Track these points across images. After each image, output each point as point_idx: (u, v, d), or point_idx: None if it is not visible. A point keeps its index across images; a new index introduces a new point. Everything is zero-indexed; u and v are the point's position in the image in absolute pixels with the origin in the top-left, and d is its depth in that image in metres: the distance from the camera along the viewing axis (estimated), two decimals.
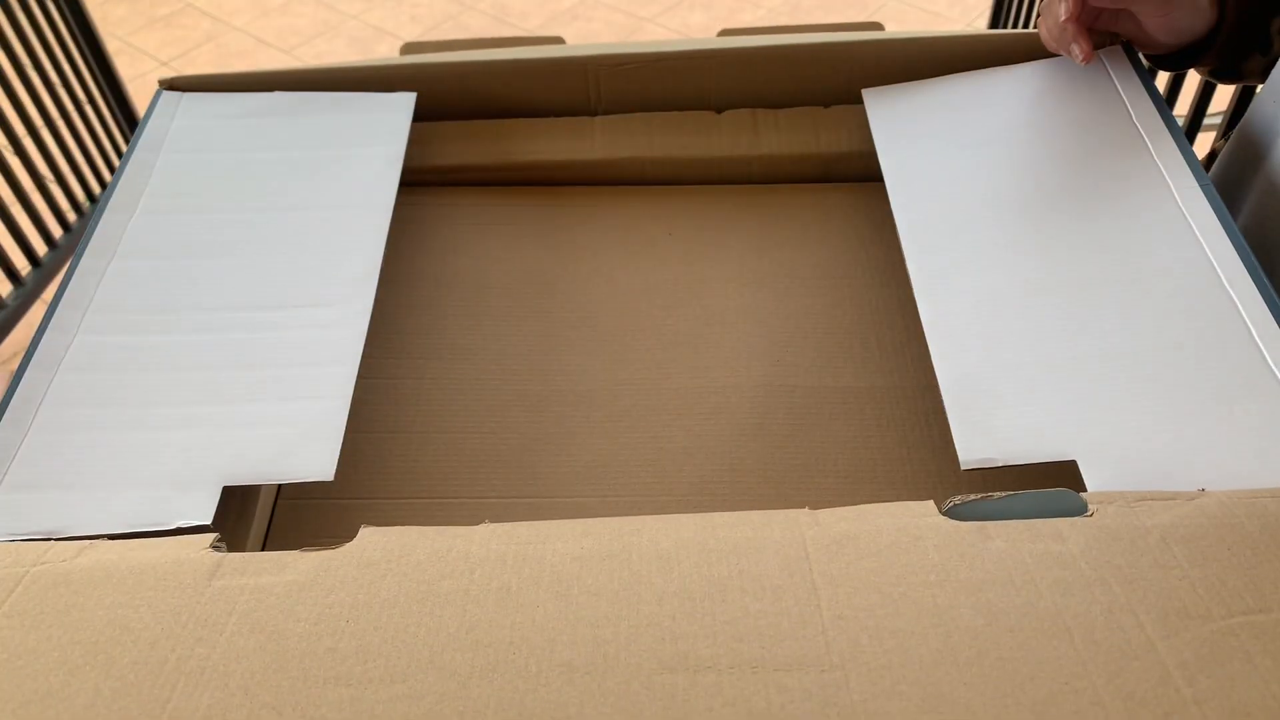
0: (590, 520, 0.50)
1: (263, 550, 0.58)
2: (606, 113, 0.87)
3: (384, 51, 2.31)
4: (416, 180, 0.85)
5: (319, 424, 0.59)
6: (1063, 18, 0.73)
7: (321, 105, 0.82)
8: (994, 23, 1.79)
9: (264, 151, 0.78)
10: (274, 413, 0.59)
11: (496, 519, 0.55)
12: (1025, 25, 1.49)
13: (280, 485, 0.63)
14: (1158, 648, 0.43)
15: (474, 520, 0.51)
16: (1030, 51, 0.84)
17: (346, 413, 0.59)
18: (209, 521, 0.53)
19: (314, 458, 0.57)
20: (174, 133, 0.79)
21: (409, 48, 1.08)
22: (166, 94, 0.83)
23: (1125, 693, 0.41)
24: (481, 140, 0.85)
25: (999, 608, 0.45)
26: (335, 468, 0.56)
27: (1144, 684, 0.42)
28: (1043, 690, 0.42)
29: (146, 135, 0.79)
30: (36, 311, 1.54)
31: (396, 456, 0.65)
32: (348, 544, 0.49)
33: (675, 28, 2.31)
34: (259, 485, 0.61)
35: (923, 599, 0.45)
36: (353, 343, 0.63)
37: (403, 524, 0.51)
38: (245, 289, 0.67)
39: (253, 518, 0.60)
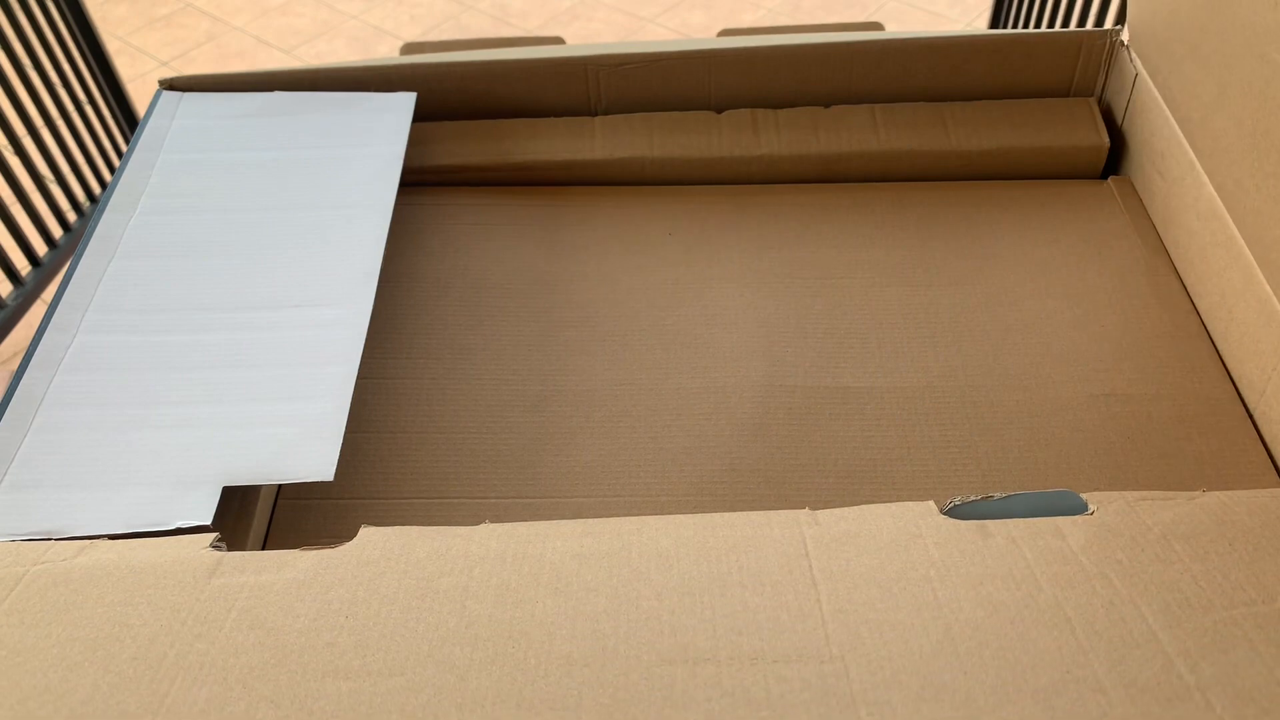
0: (589, 520, 0.50)
1: (263, 550, 0.58)
2: (607, 113, 0.87)
3: (384, 52, 2.31)
4: (416, 180, 0.84)
5: (319, 424, 0.59)
6: None
7: (321, 105, 0.82)
8: (994, 24, 1.79)
9: (264, 151, 0.78)
10: (274, 413, 0.59)
11: (496, 519, 0.55)
12: (1025, 25, 1.49)
13: (280, 485, 0.63)
14: (1159, 637, 0.43)
15: (474, 520, 0.51)
16: (1030, 52, 0.84)
17: (346, 413, 0.59)
18: (209, 521, 0.53)
19: (314, 458, 0.57)
20: (174, 133, 0.79)
21: (409, 48, 1.08)
22: (166, 94, 0.83)
23: (1127, 680, 0.41)
24: (481, 140, 0.85)
25: (999, 600, 0.45)
26: (335, 468, 0.56)
27: (1146, 671, 0.42)
28: (1044, 678, 0.42)
29: (146, 135, 0.79)
30: (36, 311, 1.53)
31: (396, 456, 0.65)
32: (347, 543, 0.49)
33: (675, 27, 2.31)
34: (259, 485, 0.61)
35: (922, 593, 0.46)
36: (353, 342, 0.63)
37: (403, 524, 0.51)
38: (245, 289, 0.67)
39: (252, 518, 0.60)
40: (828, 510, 0.50)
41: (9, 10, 1.45)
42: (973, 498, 0.50)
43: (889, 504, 0.50)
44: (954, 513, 0.49)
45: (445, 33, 2.35)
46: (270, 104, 0.82)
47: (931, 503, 0.50)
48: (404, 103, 0.82)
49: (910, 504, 0.50)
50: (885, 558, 0.47)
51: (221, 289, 0.67)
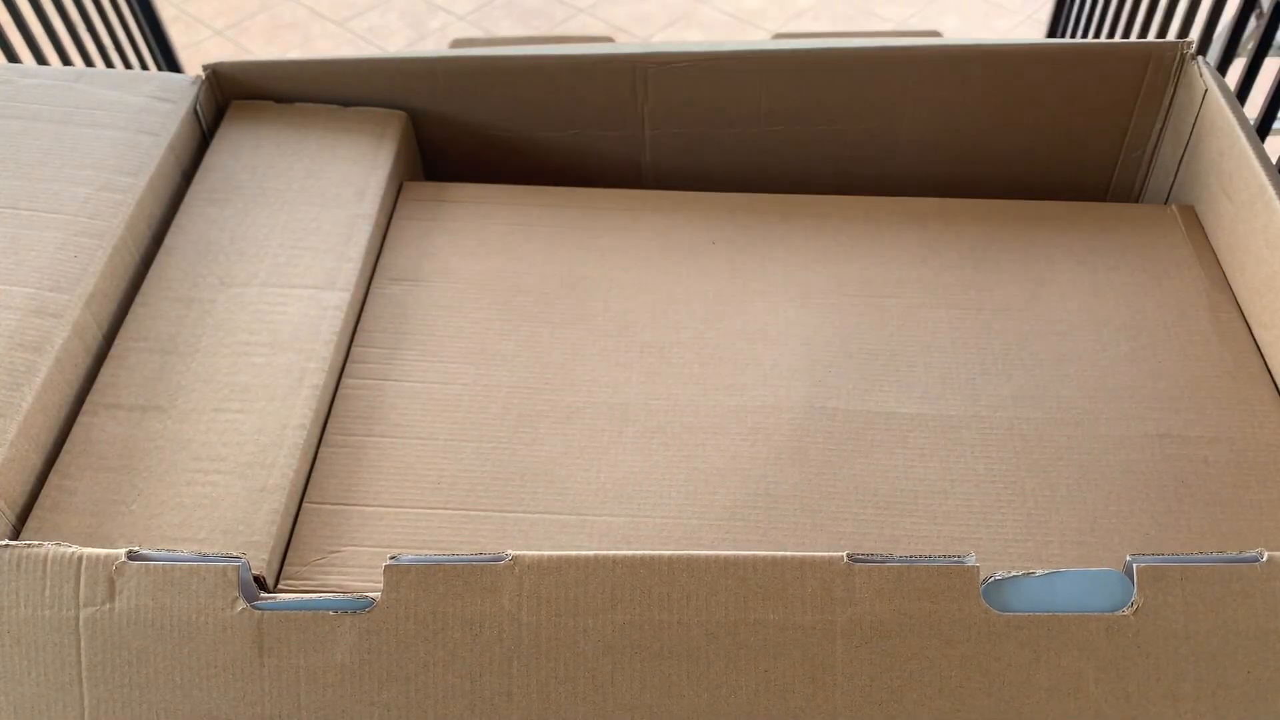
0: (619, 576, 0.48)
1: (284, 557, 0.57)
2: (653, 113, 0.84)
3: (435, 26, 2.29)
4: (455, 176, 0.83)
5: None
6: None
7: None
8: (1056, 16, 1.74)
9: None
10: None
11: (523, 534, 0.55)
12: (1090, 19, 1.44)
13: (303, 489, 0.62)
14: None
15: (500, 535, 0.50)
16: (1096, 63, 0.81)
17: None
18: None
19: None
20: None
21: (457, 43, 1.06)
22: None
23: None
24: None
25: None
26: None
27: None
28: None
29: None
30: None
31: (423, 464, 0.64)
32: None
33: (730, 10, 2.28)
34: (273, 489, 0.60)
35: None
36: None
37: (427, 534, 0.52)
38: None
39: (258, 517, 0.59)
40: (864, 570, 0.48)
41: None
42: (1014, 573, 0.48)
43: (932, 568, 0.48)
44: (993, 593, 0.47)
45: (497, 8, 2.33)
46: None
47: (977, 568, 0.48)
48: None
49: (953, 572, 0.47)
50: (906, 676, 0.47)
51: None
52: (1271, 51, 1.25)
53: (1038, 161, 0.87)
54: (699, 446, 0.65)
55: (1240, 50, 1.29)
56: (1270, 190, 0.68)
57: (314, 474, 0.62)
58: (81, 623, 0.48)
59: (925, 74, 0.81)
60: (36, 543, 0.48)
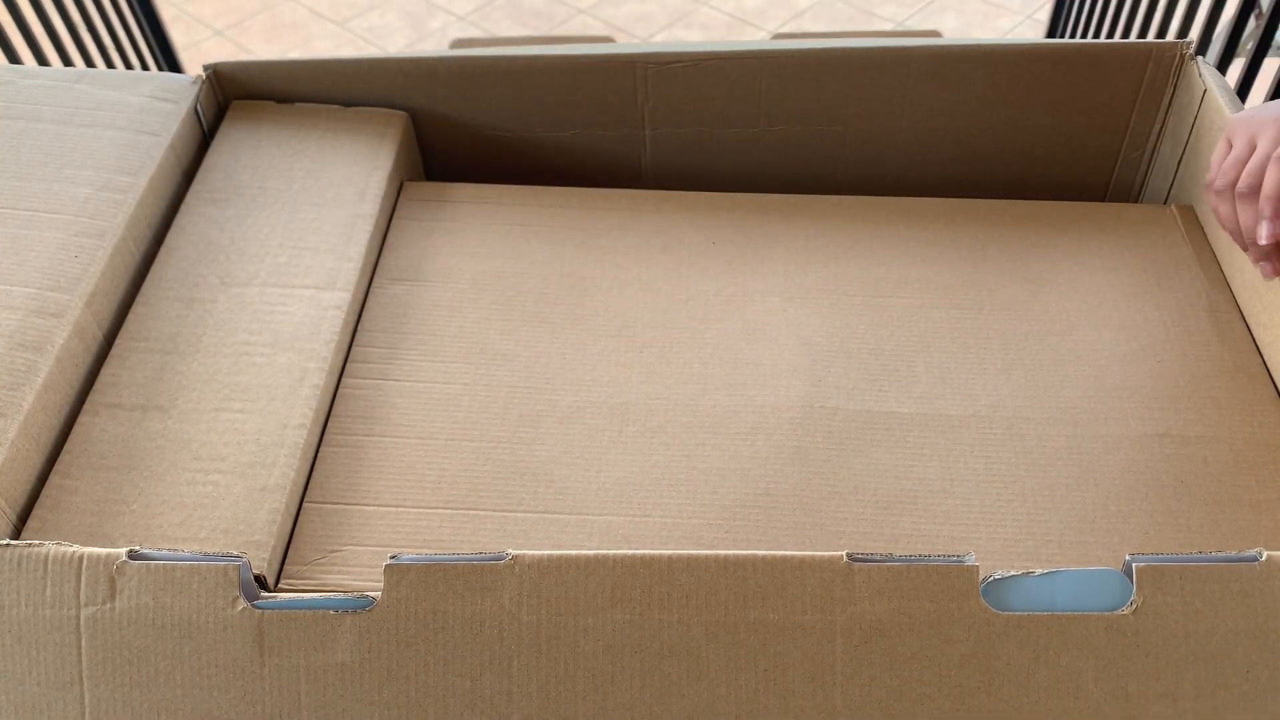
0: (619, 575, 0.48)
1: (285, 556, 0.57)
2: (653, 113, 0.85)
3: (435, 26, 2.29)
4: (455, 176, 0.83)
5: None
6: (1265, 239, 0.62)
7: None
8: (1055, 15, 1.74)
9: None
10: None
11: (524, 534, 0.55)
12: (1089, 19, 1.44)
13: (304, 488, 0.62)
14: None
15: (500, 535, 0.51)
16: (1095, 62, 0.81)
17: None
18: None
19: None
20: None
21: (458, 43, 1.06)
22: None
23: None
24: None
25: None
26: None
27: None
28: None
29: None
30: None
31: (424, 463, 0.64)
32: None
33: (730, 10, 2.28)
34: (274, 488, 0.60)
35: None
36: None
37: (427, 534, 0.52)
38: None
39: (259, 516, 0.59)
40: (865, 570, 0.48)
41: None
42: (1014, 573, 0.48)
43: (932, 567, 0.48)
44: (992, 592, 0.47)
45: (497, 8, 2.33)
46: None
47: (977, 567, 0.47)
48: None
49: (952, 572, 0.47)
50: (907, 676, 0.47)
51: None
52: (1271, 51, 1.25)
53: (1037, 161, 0.87)
54: (699, 446, 0.65)
55: (1240, 50, 1.29)
56: None
57: (314, 473, 0.62)
58: (82, 622, 0.48)
59: (925, 74, 0.82)
60: (37, 542, 0.48)
